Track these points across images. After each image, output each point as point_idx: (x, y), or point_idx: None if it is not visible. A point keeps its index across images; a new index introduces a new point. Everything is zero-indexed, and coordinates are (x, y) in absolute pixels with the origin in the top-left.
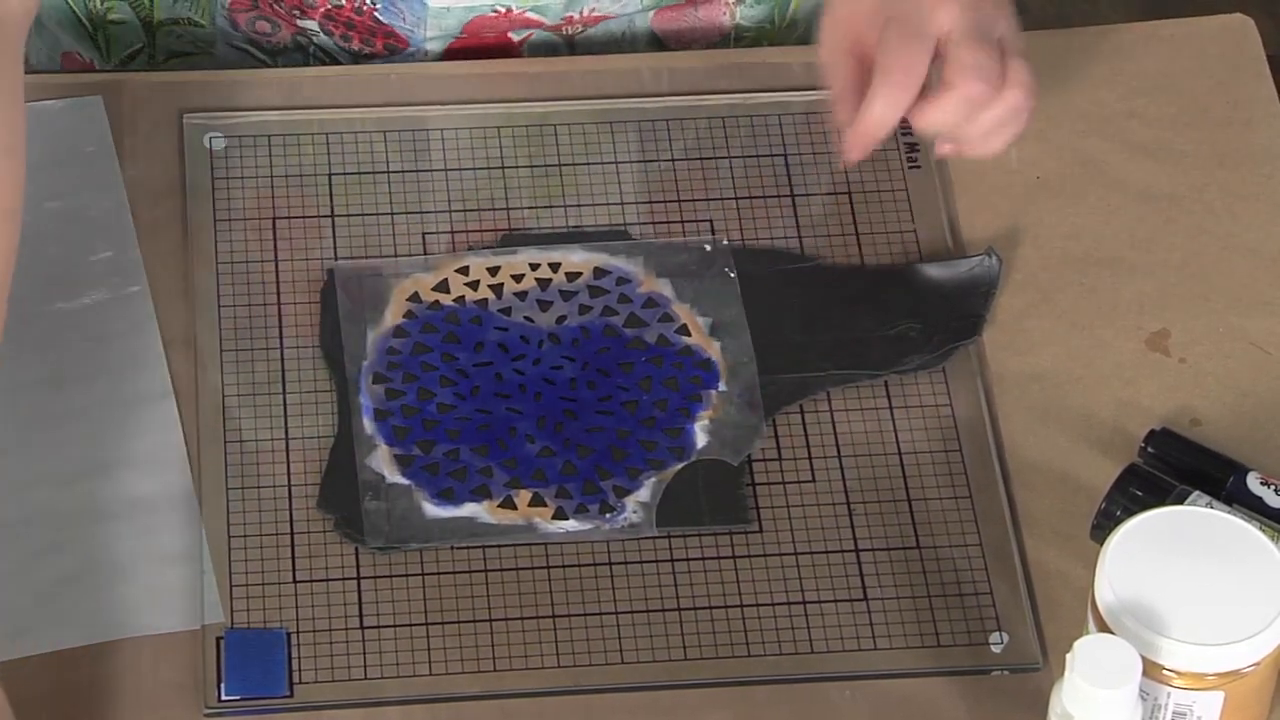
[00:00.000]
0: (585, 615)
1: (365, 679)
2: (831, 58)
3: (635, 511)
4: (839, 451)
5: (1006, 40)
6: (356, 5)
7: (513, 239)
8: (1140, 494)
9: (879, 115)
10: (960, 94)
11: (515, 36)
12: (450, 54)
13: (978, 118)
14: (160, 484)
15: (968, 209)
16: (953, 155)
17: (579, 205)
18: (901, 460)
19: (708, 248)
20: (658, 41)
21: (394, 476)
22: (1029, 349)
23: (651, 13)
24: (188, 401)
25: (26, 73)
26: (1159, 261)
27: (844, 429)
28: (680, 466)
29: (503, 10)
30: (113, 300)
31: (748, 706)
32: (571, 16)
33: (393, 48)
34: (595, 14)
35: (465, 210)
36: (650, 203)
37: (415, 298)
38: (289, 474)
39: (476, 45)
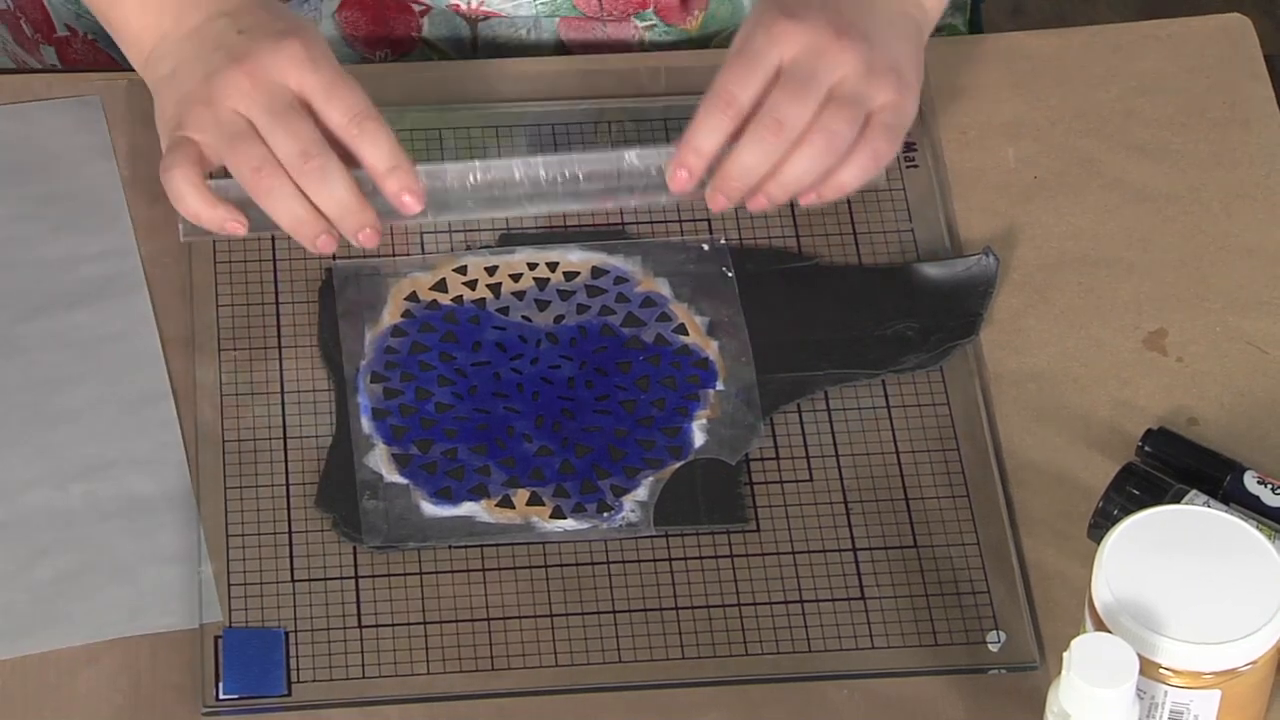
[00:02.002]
0: (583, 615)
1: (363, 678)
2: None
3: (633, 511)
4: (836, 451)
5: (880, 112)
6: None
7: (510, 238)
8: (1137, 493)
9: (746, 165)
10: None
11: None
12: (345, 9)
13: (783, 168)
14: (159, 484)
15: (965, 208)
16: (765, 208)
17: None
18: (899, 459)
19: (705, 247)
20: (563, 48)
21: (392, 476)
22: (1026, 348)
23: (556, 19)
24: (187, 401)
25: (26, 72)
26: (1156, 261)
27: (841, 428)
28: (678, 466)
29: None
30: (112, 300)
31: (746, 705)
32: (457, 5)
33: None
34: (484, 9)
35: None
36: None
37: (413, 297)
38: (287, 473)
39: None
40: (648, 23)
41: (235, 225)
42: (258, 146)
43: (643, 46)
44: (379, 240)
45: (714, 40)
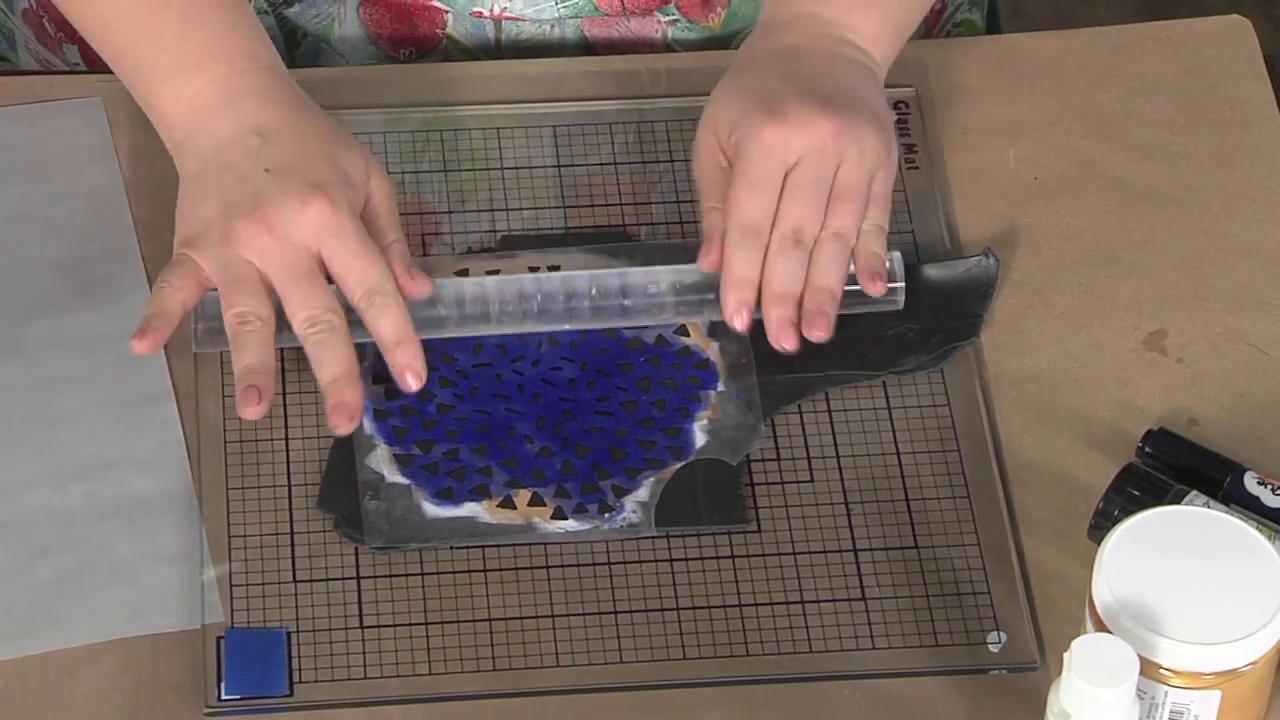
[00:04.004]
0: (585, 615)
1: (365, 678)
2: (704, 171)
3: (634, 511)
4: (837, 452)
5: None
6: None
7: (512, 240)
8: (1138, 494)
9: (785, 280)
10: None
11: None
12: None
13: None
14: (160, 484)
15: (965, 209)
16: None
17: (578, 206)
18: (900, 460)
19: None
20: (588, 46)
21: (393, 476)
22: (1027, 349)
23: (581, 19)
24: (188, 401)
25: (27, 72)
26: (1156, 262)
27: (842, 429)
28: (679, 466)
29: None
30: (113, 300)
31: (747, 706)
32: (480, 11)
33: None
34: (507, 14)
35: (465, 211)
36: (650, 203)
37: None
38: (289, 474)
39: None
40: (670, 17)
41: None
42: (251, 299)
43: (665, 42)
44: (348, 427)
45: (735, 39)
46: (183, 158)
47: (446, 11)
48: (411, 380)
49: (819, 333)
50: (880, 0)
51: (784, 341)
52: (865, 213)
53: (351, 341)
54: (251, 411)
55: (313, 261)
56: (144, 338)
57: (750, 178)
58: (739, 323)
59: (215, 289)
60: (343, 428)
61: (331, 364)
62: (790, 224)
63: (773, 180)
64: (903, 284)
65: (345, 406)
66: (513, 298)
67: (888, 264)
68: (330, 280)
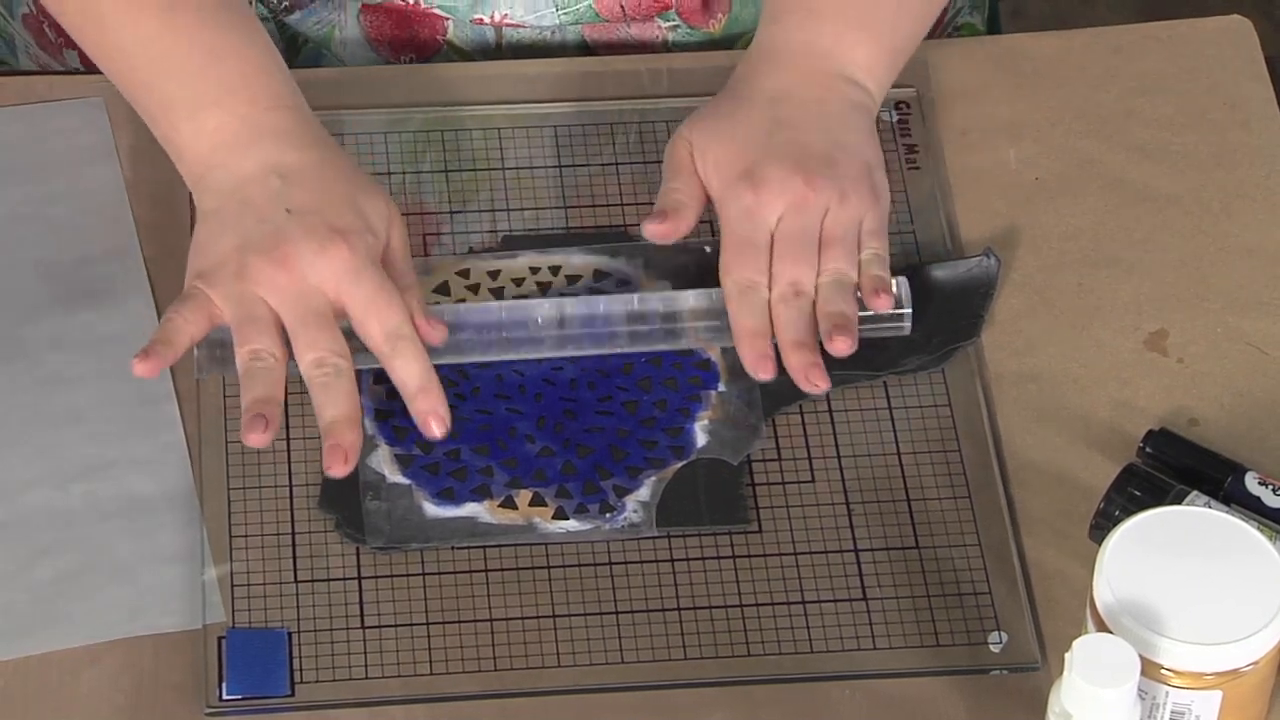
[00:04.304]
0: (585, 615)
1: (366, 678)
2: (674, 158)
3: (635, 511)
4: (838, 452)
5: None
6: None
7: (513, 241)
8: (1139, 494)
9: (795, 328)
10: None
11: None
12: (368, 14)
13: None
14: (160, 484)
15: (966, 210)
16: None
17: (579, 207)
18: (900, 460)
19: (708, 249)
20: (589, 53)
21: (394, 476)
22: (1027, 349)
23: (581, 25)
24: (188, 401)
25: (27, 73)
26: (1157, 262)
27: (843, 429)
28: (680, 466)
29: (410, 3)
30: (113, 300)
31: (748, 706)
32: (480, 19)
33: None
34: (508, 20)
35: (465, 212)
36: (650, 203)
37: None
38: (289, 474)
39: (397, 10)
40: (671, 23)
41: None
42: (265, 337)
43: (666, 48)
44: (343, 470)
45: (736, 45)
46: (201, 192)
47: (447, 19)
48: (436, 427)
49: (842, 346)
50: (875, 26)
51: (814, 384)
52: (858, 253)
53: (356, 387)
54: (256, 439)
55: (326, 304)
56: (146, 360)
57: (737, 239)
58: (764, 373)
59: (225, 324)
60: (337, 469)
61: (333, 406)
62: (786, 279)
63: (759, 239)
64: (909, 310)
65: (341, 448)
66: (535, 323)
67: (895, 288)
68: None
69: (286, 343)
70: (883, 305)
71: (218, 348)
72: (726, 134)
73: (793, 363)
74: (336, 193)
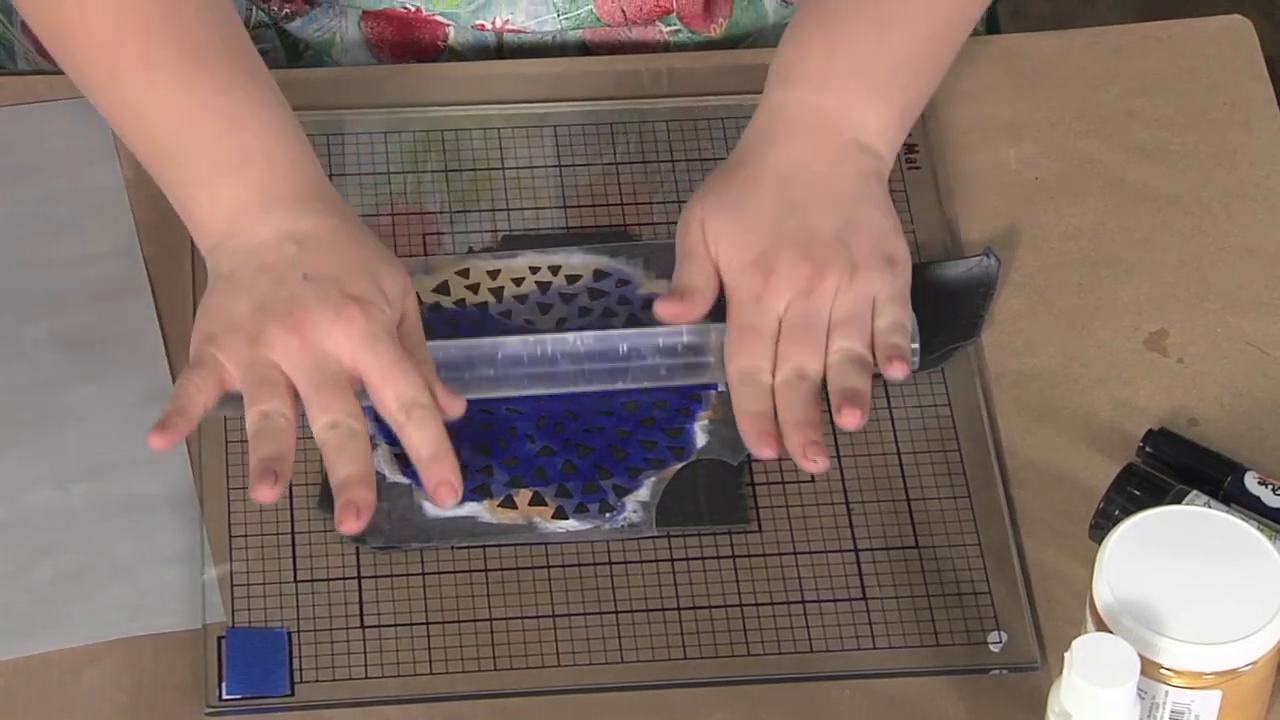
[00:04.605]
0: (585, 615)
1: (366, 678)
2: (687, 242)
3: (635, 511)
4: (838, 451)
5: (880, 293)
6: None
7: (512, 241)
8: (1138, 493)
9: (798, 413)
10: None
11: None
12: (369, 20)
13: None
14: (160, 484)
15: (966, 209)
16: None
17: (579, 206)
18: (900, 460)
19: None
20: (588, 54)
21: (394, 476)
22: (1027, 349)
23: (583, 31)
24: None
25: (27, 73)
26: (1157, 262)
27: (843, 429)
28: (680, 466)
29: (412, 9)
30: (113, 300)
31: (747, 706)
32: (482, 25)
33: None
34: (509, 26)
35: (465, 212)
36: (650, 203)
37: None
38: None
39: (399, 16)
40: (672, 28)
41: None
42: (277, 400)
43: (667, 52)
44: (355, 527)
45: (740, 46)
46: (217, 258)
47: (448, 25)
48: (447, 496)
49: (850, 420)
50: (885, 89)
51: (812, 461)
52: (869, 324)
53: (369, 449)
54: (265, 494)
55: (341, 370)
56: (163, 433)
57: (743, 326)
58: (767, 451)
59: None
60: (349, 526)
61: (348, 465)
62: (791, 365)
63: (765, 327)
64: (916, 345)
65: (355, 505)
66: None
67: (914, 352)
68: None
69: (298, 407)
70: (897, 373)
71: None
72: (737, 218)
73: (793, 441)
74: (353, 260)
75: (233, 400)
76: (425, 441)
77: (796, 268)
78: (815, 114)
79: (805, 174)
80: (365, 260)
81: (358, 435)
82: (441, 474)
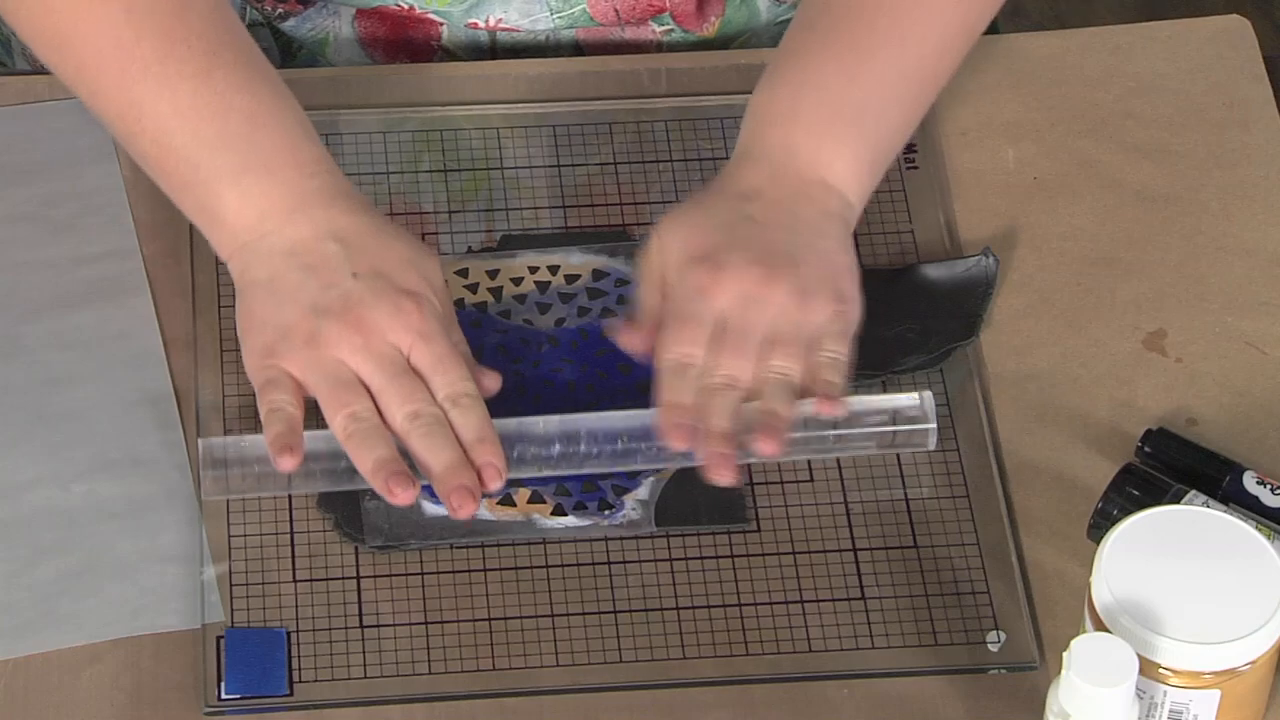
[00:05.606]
0: (585, 614)
1: (365, 678)
2: (648, 271)
3: (634, 509)
4: None
5: (823, 328)
6: None
7: (511, 240)
8: (1137, 493)
9: (720, 417)
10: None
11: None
12: (363, 19)
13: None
14: (161, 484)
15: (965, 209)
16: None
17: (577, 206)
18: (899, 460)
19: None
20: (581, 53)
21: None
22: (1026, 349)
23: (576, 29)
24: (188, 401)
25: (27, 73)
26: (1155, 262)
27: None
28: (679, 466)
29: (405, 8)
30: (114, 301)
31: (746, 705)
32: (475, 23)
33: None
34: (503, 25)
35: (464, 211)
36: (648, 203)
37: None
38: (289, 474)
39: (392, 14)
40: (665, 27)
41: (288, 463)
42: (362, 399)
43: (660, 51)
44: (473, 508)
45: (732, 46)
46: (248, 260)
47: (442, 23)
48: (494, 479)
49: (765, 447)
50: (855, 139)
51: (720, 474)
52: (806, 355)
53: (453, 433)
54: (403, 497)
55: (405, 361)
56: (291, 454)
57: (681, 314)
58: (677, 442)
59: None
60: (467, 509)
61: (444, 450)
62: (723, 370)
63: (704, 317)
64: (933, 425)
65: (466, 488)
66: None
67: (920, 401)
68: None
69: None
70: (829, 411)
71: (222, 468)
72: (691, 223)
73: (708, 450)
74: (396, 256)
75: (222, 479)
76: (473, 427)
77: (746, 268)
78: (784, 151)
79: (767, 197)
80: (407, 254)
81: (441, 420)
82: (488, 456)
